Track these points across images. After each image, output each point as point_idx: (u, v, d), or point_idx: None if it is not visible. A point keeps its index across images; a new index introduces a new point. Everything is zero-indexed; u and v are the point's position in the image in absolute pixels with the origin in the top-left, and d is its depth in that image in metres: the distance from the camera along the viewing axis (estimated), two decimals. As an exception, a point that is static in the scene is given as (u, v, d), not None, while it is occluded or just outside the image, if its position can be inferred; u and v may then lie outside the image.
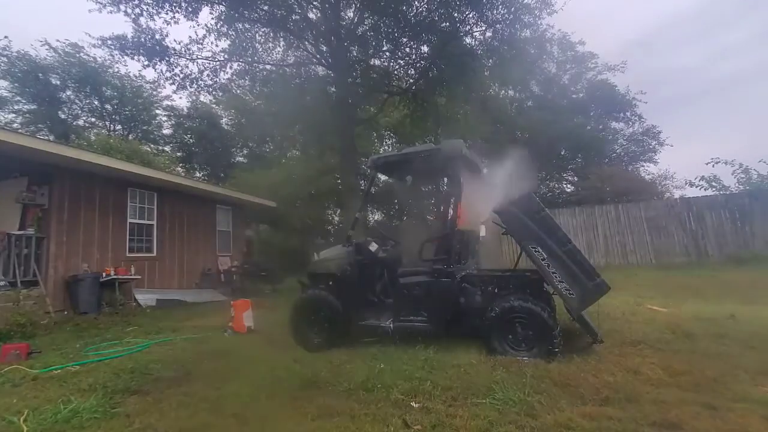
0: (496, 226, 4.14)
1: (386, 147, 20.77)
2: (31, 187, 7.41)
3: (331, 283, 4.51)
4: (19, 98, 18.51)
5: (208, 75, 12.91)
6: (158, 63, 11.73)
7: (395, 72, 14.16)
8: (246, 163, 23.03)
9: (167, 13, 10.72)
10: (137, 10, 10.46)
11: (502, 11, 11.01)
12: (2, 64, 17.31)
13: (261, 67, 13.91)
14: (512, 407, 2.52)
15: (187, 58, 12.11)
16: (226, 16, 11.50)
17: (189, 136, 23.34)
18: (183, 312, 7.58)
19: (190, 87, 13.02)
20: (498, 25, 11.43)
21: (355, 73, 12.84)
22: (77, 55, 18.34)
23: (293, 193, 16.50)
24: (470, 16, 11.35)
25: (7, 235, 6.63)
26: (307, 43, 12.62)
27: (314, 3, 11.95)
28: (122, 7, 10.32)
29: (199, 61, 12.39)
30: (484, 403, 2.61)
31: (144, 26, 10.97)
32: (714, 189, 12.45)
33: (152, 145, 22.14)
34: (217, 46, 17.43)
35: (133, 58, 11.65)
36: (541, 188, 21.64)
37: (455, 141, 4.21)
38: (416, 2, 11.35)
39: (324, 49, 12.41)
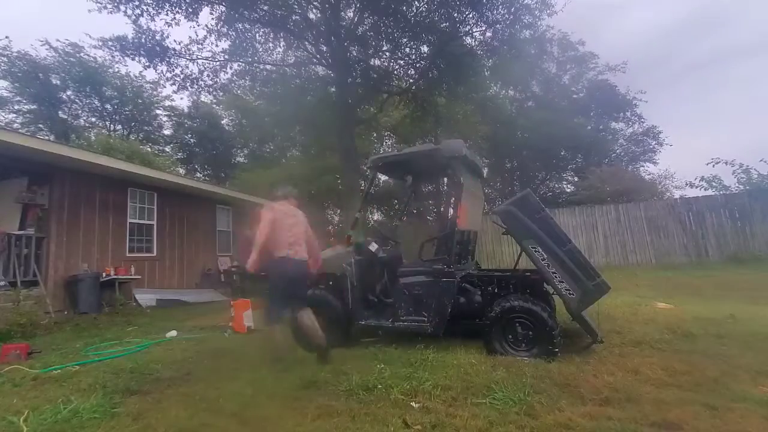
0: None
1: (386, 147, 20.77)
2: (31, 187, 7.41)
3: (331, 283, 4.51)
4: (19, 98, 18.53)
5: (208, 75, 12.97)
6: (159, 64, 11.76)
7: (395, 72, 14.17)
8: (246, 163, 23.04)
9: (167, 14, 10.75)
10: (137, 11, 10.48)
11: (502, 11, 11.04)
12: (2, 64, 17.32)
13: (261, 67, 13.94)
14: (512, 407, 2.51)
15: (188, 59, 12.15)
16: (226, 16, 11.52)
17: (190, 136, 23.36)
18: (183, 312, 7.57)
19: (191, 87, 13.07)
20: (498, 26, 11.45)
21: (355, 73, 12.84)
22: (77, 55, 18.35)
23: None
24: (470, 16, 11.37)
25: (7, 235, 6.62)
26: (307, 43, 12.63)
27: (314, 3, 11.96)
28: (122, 8, 10.34)
29: (200, 61, 12.44)
30: (484, 403, 2.60)
31: (144, 27, 10.99)
32: (714, 189, 12.47)
33: (153, 146, 22.15)
34: (217, 46, 17.44)
35: (133, 59, 11.69)
36: (541, 188, 21.67)
37: (455, 141, 4.20)
38: (416, 2, 11.37)
39: (324, 49, 12.41)
